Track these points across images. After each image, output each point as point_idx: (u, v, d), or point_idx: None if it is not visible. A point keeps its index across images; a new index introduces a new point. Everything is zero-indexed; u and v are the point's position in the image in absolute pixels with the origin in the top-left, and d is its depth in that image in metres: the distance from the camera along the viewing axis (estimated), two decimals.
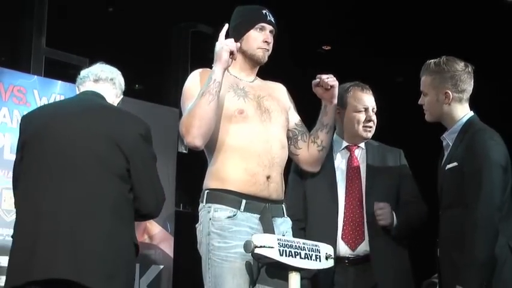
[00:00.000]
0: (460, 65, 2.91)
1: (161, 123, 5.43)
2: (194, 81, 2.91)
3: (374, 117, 3.25)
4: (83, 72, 2.88)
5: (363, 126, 3.21)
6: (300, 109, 3.17)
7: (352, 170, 3.19)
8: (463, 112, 2.89)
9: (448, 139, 2.90)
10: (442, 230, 2.86)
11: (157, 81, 6.42)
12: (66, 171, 2.60)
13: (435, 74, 2.91)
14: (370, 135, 3.25)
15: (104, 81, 2.80)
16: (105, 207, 2.57)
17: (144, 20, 6.03)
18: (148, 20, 6.09)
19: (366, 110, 3.21)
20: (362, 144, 3.30)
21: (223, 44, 2.82)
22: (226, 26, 2.94)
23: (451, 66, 2.90)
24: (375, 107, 3.26)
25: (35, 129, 2.69)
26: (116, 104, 2.89)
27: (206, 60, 2.97)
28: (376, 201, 3.08)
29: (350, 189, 3.14)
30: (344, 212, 3.10)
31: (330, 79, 2.97)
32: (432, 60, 2.97)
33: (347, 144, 3.28)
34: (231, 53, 2.83)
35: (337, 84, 3.00)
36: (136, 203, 2.69)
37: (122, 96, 2.92)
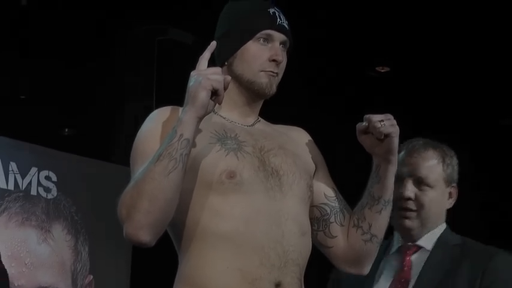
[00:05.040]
0: None
1: (105, 190, 5.22)
2: (153, 128, 2.64)
3: (411, 195, 3.01)
4: None
5: (398, 210, 2.92)
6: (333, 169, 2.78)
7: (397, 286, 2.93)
8: None
9: None
10: None
11: (100, 124, 5.99)
12: None
13: None
14: (410, 224, 2.98)
15: None
16: None
17: (76, 18, 5.32)
18: (85, 19, 5.39)
19: (402, 182, 2.96)
20: (426, 243, 2.98)
21: (203, 77, 2.45)
22: (214, 44, 2.58)
23: None
24: (430, 179, 3.00)
25: None
26: None
27: (182, 88, 2.53)
28: None
29: None
30: None
31: (386, 123, 2.66)
32: None
33: (399, 244, 2.98)
34: (214, 93, 2.46)
35: (397, 132, 2.68)
36: None
37: None
